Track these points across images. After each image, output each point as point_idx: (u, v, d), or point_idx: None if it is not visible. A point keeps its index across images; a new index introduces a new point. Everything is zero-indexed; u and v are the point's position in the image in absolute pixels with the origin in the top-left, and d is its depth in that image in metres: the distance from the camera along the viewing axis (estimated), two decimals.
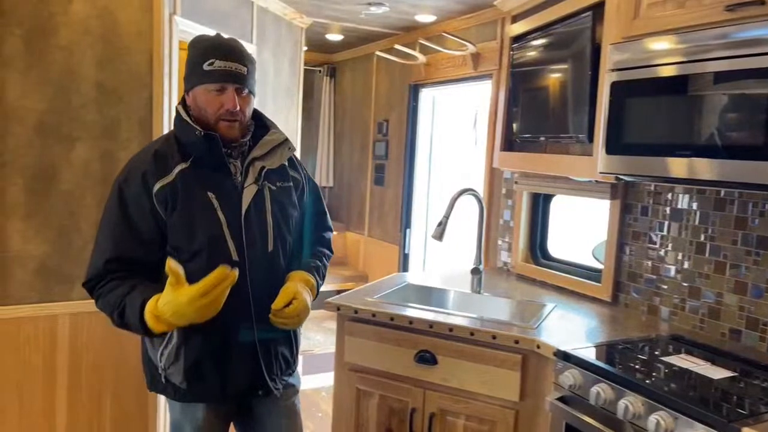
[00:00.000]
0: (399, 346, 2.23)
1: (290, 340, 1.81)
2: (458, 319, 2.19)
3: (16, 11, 2.19)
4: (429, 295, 2.68)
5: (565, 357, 1.86)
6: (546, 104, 2.69)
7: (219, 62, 1.56)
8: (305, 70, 5.75)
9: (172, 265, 1.42)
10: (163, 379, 1.66)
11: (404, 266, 4.25)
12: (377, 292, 2.54)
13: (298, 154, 3.79)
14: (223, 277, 1.42)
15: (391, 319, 2.24)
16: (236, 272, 1.45)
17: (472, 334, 2.10)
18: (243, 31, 3.09)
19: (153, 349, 1.68)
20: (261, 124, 1.75)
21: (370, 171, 4.81)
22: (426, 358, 2.18)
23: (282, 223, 1.73)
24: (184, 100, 1.66)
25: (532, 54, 2.79)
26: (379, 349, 2.28)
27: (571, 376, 1.81)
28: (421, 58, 3.86)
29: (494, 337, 2.06)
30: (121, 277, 1.55)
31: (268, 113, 3.34)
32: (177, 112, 1.64)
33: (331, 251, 2.01)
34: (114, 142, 2.39)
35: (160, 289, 1.47)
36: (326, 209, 2.02)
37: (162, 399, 2.56)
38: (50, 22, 2.25)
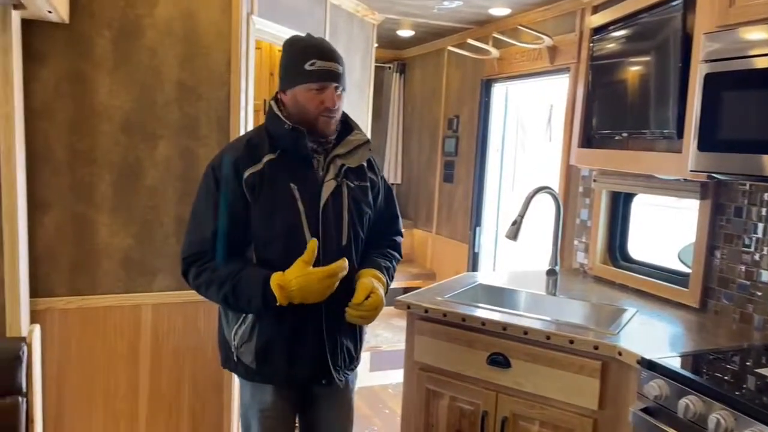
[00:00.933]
0: (470, 347, 2.19)
1: (355, 335, 1.85)
2: (533, 322, 2.12)
3: (105, 14, 2.30)
4: (500, 296, 2.61)
5: (651, 366, 1.76)
6: (628, 98, 2.56)
7: (320, 62, 1.64)
8: (376, 67, 5.80)
9: (312, 245, 1.58)
10: (235, 358, 1.75)
11: (474, 265, 4.18)
12: (447, 291, 2.51)
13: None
14: (343, 265, 1.60)
15: (463, 319, 2.19)
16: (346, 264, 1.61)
17: (548, 338, 2.03)
18: (316, 29, 3.11)
19: (228, 327, 1.76)
20: (346, 123, 1.81)
21: (439, 168, 4.76)
22: (499, 361, 2.12)
23: (356, 219, 1.78)
24: (277, 96, 1.74)
25: (613, 46, 2.66)
26: (449, 350, 2.24)
27: (656, 387, 1.71)
28: (495, 52, 3.78)
29: (572, 342, 1.98)
30: (224, 255, 1.66)
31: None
32: (270, 106, 1.73)
33: (401, 255, 2.01)
34: (193, 140, 2.47)
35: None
36: (399, 213, 2.03)
37: (237, 388, 2.62)
38: (137, 24, 2.34)
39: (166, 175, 2.45)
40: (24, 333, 2.11)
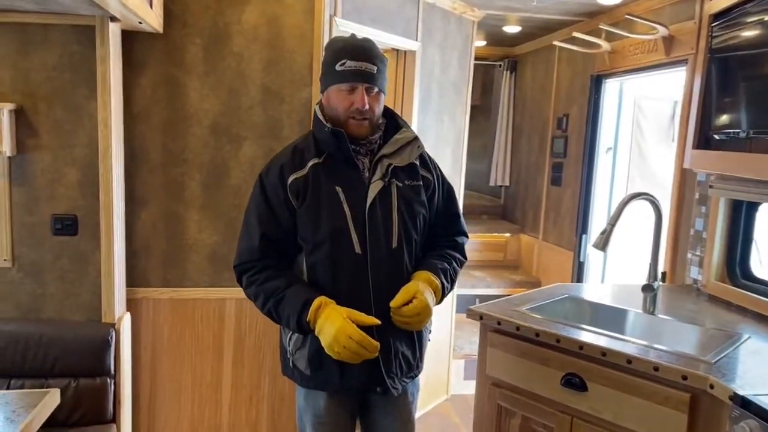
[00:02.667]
0: (544, 365, 2.02)
1: (413, 341, 1.77)
2: (615, 342, 1.91)
3: (197, 23, 2.43)
4: (590, 312, 2.40)
5: (744, 404, 1.51)
6: (754, 92, 2.23)
7: (350, 62, 1.60)
8: (485, 65, 5.64)
9: (371, 322, 1.57)
10: (291, 364, 1.75)
11: (578, 275, 3.90)
12: (530, 302, 2.34)
13: (463, 152, 3.72)
14: (370, 345, 1.54)
15: (537, 335, 2.03)
16: (377, 348, 1.56)
17: (629, 361, 1.81)
18: (407, 29, 3.07)
19: (284, 333, 1.77)
20: (393, 122, 1.76)
21: (547, 170, 4.51)
22: (574, 383, 1.94)
23: (408, 220, 1.71)
24: (321, 100, 1.73)
25: (737, 33, 2.33)
26: (522, 366, 2.09)
27: (747, 428, 1.45)
28: (605, 45, 3.49)
29: (656, 369, 1.75)
30: (273, 266, 1.67)
31: (433, 110, 3.36)
32: (315, 110, 1.72)
33: (464, 257, 1.90)
34: (276, 141, 2.53)
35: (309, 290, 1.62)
36: (460, 212, 1.93)
37: None
38: (225, 31, 2.45)
39: (250, 175, 2.53)
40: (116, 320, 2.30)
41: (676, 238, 2.91)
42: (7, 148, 2.15)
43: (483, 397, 2.25)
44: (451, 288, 1.81)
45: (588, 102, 3.79)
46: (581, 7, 3.49)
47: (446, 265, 1.79)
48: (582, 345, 1.92)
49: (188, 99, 2.47)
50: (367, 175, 1.68)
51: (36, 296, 2.32)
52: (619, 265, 3.88)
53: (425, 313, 1.65)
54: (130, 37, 2.35)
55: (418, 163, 1.75)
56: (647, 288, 2.29)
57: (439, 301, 1.75)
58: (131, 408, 2.52)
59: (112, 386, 2.23)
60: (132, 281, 2.49)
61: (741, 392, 1.53)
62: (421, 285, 1.67)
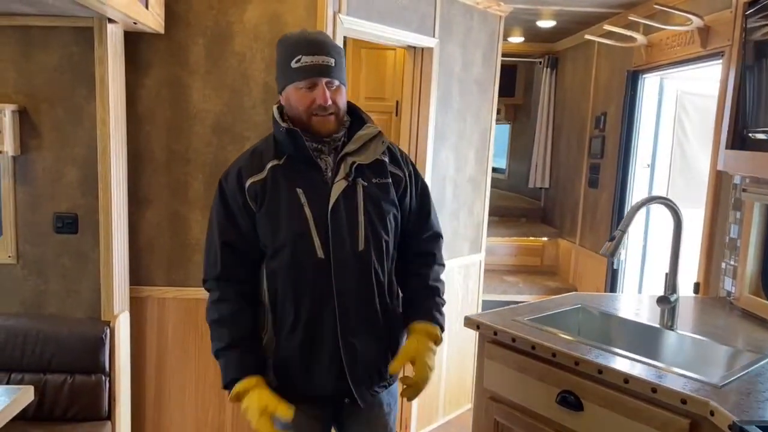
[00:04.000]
0: (541, 380, 1.88)
1: (384, 349, 1.68)
2: (613, 359, 1.75)
3: (200, 23, 2.43)
4: (602, 325, 2.23)
5: None
6: None
7: (306, 58, 1.52)
8: (527, 62, 5.44)
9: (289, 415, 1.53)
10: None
11: (612, 284, 3.67)
12: (537, 311, 2.20)
13: (489, 152, 3.57)
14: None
15: (533, 347, 1.90)
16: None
17: (626, 381, 1.65)
18: (423, 25, 2.97)
19: None
20: (357, 117, 1.66)
21: (584, 171, 4.29)
22: (569, 401, 1.79)
23: (377, 221, 1.62)
24: (280, 101, 1.64)
25: None
26: (519, 380, 1.96)
27: None
28: (641, 38, 3.26)
29: (654, 391, 1.59)
30: (231, 296, 1.59)
31: (454, 108, 3.24)
32: (272, 111, 1.63)
33: (438, 261, 1.80)
34: None
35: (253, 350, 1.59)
36: (432, 213, 1.79)
37: None
38: (227, 30, 2.44)
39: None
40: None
41: (710, 246, 2.68)
42: (11, 148, 2.22)
43: (480, 411, 2.13)
44: (443, 309, 1.76)
45: (624, 99, 3.56)
46: None
47: (436, 299, 1.74)
48: (578, 360, 1.77)
49: (191, 99, 2.47)
50: (330, 175, 1.59)
51: (39, 292, 2.38)
52: (658, 275, 3.63)
53: (427, 380, 1.66)
54: (135, 39, 2.37)
55: (387, 159, 1.66)
56: (663, 300, 2.10)
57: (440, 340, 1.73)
58: (139, 405, 2.55)
59: (107, 384, 2.25)
60: (137, 280, 2.52)
61: (744, 419, 1.36)
62: (420, 346, 1.64)
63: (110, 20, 2.13)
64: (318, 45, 1.54)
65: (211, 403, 2.65)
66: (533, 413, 1.91)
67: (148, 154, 2.48)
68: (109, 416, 2.28)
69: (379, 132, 1.64)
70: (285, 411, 1.53)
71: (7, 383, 2.15)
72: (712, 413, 1.46)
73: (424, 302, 1.74)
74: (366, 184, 1.60)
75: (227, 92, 2.48)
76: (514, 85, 5.98)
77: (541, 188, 5.23)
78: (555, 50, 5.01)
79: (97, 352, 2.22)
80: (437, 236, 1.81)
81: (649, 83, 3.51)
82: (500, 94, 5.84)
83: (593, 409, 1.73)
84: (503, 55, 5.26)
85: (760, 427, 1.34)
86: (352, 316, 1.59)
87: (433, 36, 3.05)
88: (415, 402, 3.29)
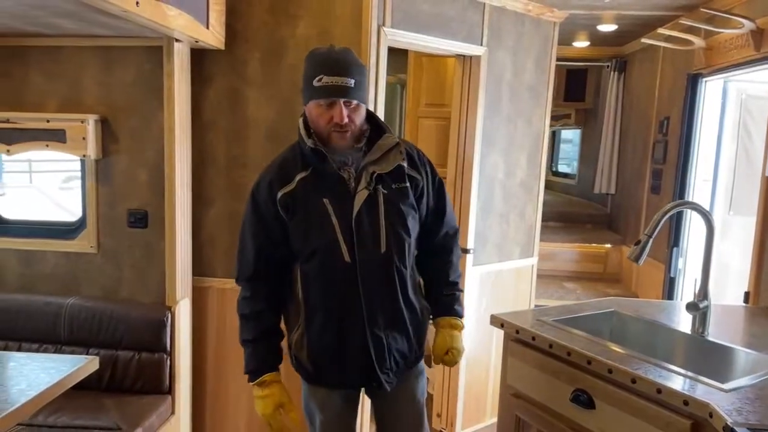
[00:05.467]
0: (557, 378, 1.94)
1: (408, 335, 1.84)
2: (624, 359, 1.79)
3: (257, 38, 2.67)
4: (633, 329, 2.24)
5: None
6: None
7: (327, 78, 1.65)
8: (594, 66, 5.36)
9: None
10: (295, 361, 1.88)
11: (669, 293, 3.58)
12: (567, 313, 2.25)
13: (542, 157, 3.59)
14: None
15: (550, 346, 1.96)
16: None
17: (633, 381, 1.69)
18: (470, 34, 3.07)
19: (288, 333, 1.89)
20: (376, 127, 1.80)
21: (647, 177, 4.19)
22: (581, 400, 1.84)
23: (397, 224, 1.76)
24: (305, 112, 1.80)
25: None
26: (538, 378, 2.02)
27: None
28: (698, 42, 3.18)
29: (659, 391, 1.62)
30: (262, 295, 1.80)
31: (503, 114, 3.32)
32: (299, 123, 1.80)
33: (456, 254, 1.99)
34: None
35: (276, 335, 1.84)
36: (448, 209, 1.95)
37: None
38: (281, 45, 2.67)
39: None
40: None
41: (761, 254, 2.59)
42: (93, 153, 2.55)
43: (504, 407, 2.21)
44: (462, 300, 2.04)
45: (684, 102, 3.48)
46: (671, 0, 3.22)
47: (456, 293, 1.98)
48: (590, 360, 1.82)
49: (248, 108, 2.72)
50: (353, 184, 1.72)
51: (115, 279, 2.70)
52: (720, 283, 3.50)
53: (459, 358, 1.98)
54: (200, 55, 2.65)
55: (405, 164, 1.78)
56: (692, 307, 2.09)
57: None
58: (200, 382, 2.82)
59: (168, 362, 2.53)
60: (200, 271, 2.79)
61: (736, 421, 1.38)
62: (448, 338, 1.93)
63: (177, 40, 2.41)
64: (339, 66, 1.66)
65: None
66: (550, 410, 1.97)
67: (211, 158, 2.76)
68: (170, 391, 2.55)
69: (397, 143, 1.77)
70: (296, 420, 1.80)
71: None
72: (711, 415, 1.48)
73: (447, 298, 1.96)
74: (386, 191, 1.74)
75: (279, 102, 2.70)
76: (584, 90, 5.89)
77: (607, 194, 5.13)
78: (623, 54, 4.91)
79: (159, 333, 2.50)
80: (454, 231, 1.98)
81: (711, 87, 3.40)
82: (570, 99, 5.85)
83: (605, 408, 1.77)
84: (570, 60, 5.27)
85: (751, 430, 1.36)
86: (378, 313, 1.75)
87: (481, 44, 3.14)
88: (460, 401, 3.38)
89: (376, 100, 2.70)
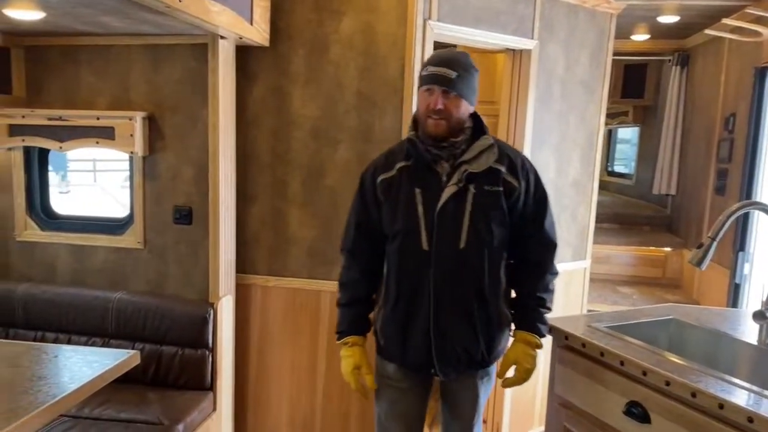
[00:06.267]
0: (608, 389, 1.83)
1: (475, 335, 1.88)
2: (685, 372, 1.65)
3: (300, 35, 2.65)
4: (692, 338, 2.10)
5: None
6: None
7: (431, 68, 1.80)
8: (655, 61, 5.12)
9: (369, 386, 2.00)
10: (374, 332, 2.03)
11: (734, 299, 3.36)
12: (620, 320, 2.13)
13: (596, 154, 3.43)
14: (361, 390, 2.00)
15: (602, 354, 1.85)
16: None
17: (693, 395, 1.56)
18: (520, 27, 2.96)
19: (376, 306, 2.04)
20: (478, 129, 1.88)
21: (711, 177, 3.95)
22: (636, 413, 1.72)
23: (481, 225, 1.83)
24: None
25: None
26: (588, 388, 1.91)
27: None
28: (767, 33, 2.96)
29: (721, 407, 1.49)
30: (357, 265, 1.98)
31: (554, 110, 3.20)
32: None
33: (549, 270, 1.98)
34: (368, 144, 2.64)
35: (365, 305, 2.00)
36: (546, 222, 1.96)
37: None
38: (325, 41, 2.64)
39: (344, 176, 2.68)
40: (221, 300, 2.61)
41: None
42: (140, 150, 2.59)
43: (552, 415, 2.10)
44: (547, 317, 1.99)
45: (751, 98, 3.25)
46: None
47: (540, 309, 1.96)
48: (645, 370, 1.70)
49: (292, 106, 2.70)
50: (445, 179, 1.82)
51: (160, 274, 2.74)
52: None
53: (527, 378, 1.97)
54: (245, 52, 2.65)
55: (503, 169, 1.84)
56: (759, 316, 1.93)
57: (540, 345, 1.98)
58: (243, 380, 2.84)
59: (210, 358, 2.54)
60: (243, 268, 2.80)
61: None
62: (520, 353, 1.93)
63: (221, 37, 2.41)
64: (445, 58, 1.82)
65: (304, 384, 2.86)
66: (601, 423, 1.85)
67: (255, 156, 2.75)
68: (212, 387, 2.56)
69: (492, 144, 1.85)
70: (371, 381, 1.98)
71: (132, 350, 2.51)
72: None
73: (529, 313, 1.97)
74: (476, 191, 1.81)
75: (323, 99, 2.67)
76: (643, 86, 5.64)
77: (667, 195, 4.89)
78: (685, 47, 4.66)
79: (202, 330, 2.51)
80: (550, 244, 1.97)
81: None
82: (628, 95, 5.61)
83: (662, 423, 1.65)
84: (629, 54, 5.04)
85: None
86: (445, 304, 1.83)
87: (532, 38, 3.02)
88: (507, 407, 3.27)
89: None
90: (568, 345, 1.98)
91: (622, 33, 4.28)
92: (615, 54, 3.48)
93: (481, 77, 3.98)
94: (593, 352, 1.87)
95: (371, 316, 2.02)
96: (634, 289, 4.34)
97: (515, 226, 1.89)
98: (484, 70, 3.87)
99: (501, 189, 1.84)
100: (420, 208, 1.81)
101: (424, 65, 1.85)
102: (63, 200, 11.90)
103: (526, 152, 3.13)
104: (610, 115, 6.02)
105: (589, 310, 3.67)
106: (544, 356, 3.29)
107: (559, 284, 3.35)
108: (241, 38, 2.41)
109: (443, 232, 1.80)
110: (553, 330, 2.04)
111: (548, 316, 1.99)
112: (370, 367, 1.99)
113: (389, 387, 2.00)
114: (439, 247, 1.81)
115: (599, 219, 4.62)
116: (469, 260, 1.82)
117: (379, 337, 1.98)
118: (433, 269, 1.81)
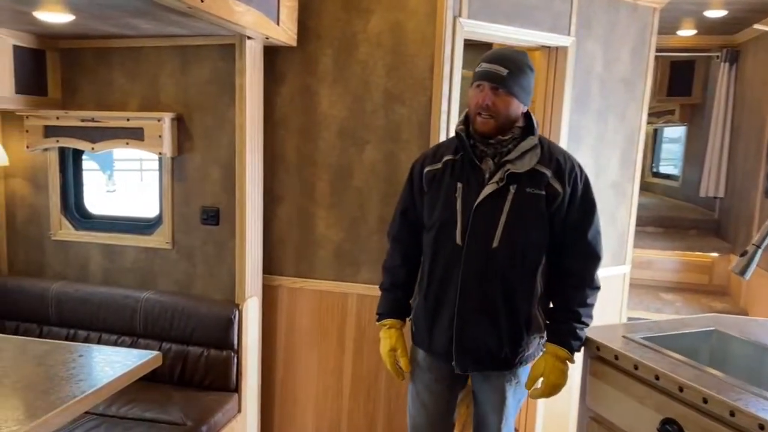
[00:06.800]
0: (642, 404, 1.73)
1: (498, 335, 1.86)
2: (724, 388, 1.54)
3: (329, 34, 2.61)
4: (736, 351, 1.97)
5: None
6: None
7: (484, 65, 1.80)
8: (703, 57, 4.90)
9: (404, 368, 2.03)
10: (411, 320, 2.07)
11: None
12: (657, 330, 2.02)
13: (637, 155, 3.28)
14: (397, 375, 2.04)
15: (635, 367, 1.75)
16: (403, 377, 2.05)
17: (732, 414, 1.46)
18: (556, 23, 2.85)
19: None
20: (527, 129, 1.86)
21: (761, 179, 3.74)
22: (671, 431, 1.62)
23: (517, 226, 1.81)
24: None
25: None
26: (621, 403, 1.82)
27: None
28: None
29: (762, 427, 1.39)
30: (399, 250, 2.03)
31: (592, 108, 3.09)
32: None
33: (589, 284, 1.91)
34: (396, 144, 2.59)
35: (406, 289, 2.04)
36: (590, 232, 1.89)
37: None
38: (353, 40, 2.59)
39: (372, 177, 2.64)
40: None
41: None
42: (169, 151, 2.60)
43: (582, 430, 2.01)
44: (583, 333, 1.90)
45: None
46: None
47: (573, 323, 1.88)
48: (681, 386, 1.60)
49: (319, 105, 2.67)
50: (487, 176, 1.82)
51: (188, 275, 2.75)
52: None
53: (554, 392, 1.90)
54: (274, 52, 2.63)
55: (549, 173, 1.81)
56: None
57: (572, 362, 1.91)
58: (269, 381, 2.83)
59: (235, 359, 2.53)
60: (271, 269, 2.78)
61: None
62: (548, 367, 1.87)
63: (248, 37, 2.40)
64: (497, 56, 1.81)
65: (331, 387, 2.83)
66: None
67: (282, 156, 2.74)
68: (237, 389, 2.55)
69: (535, 145, 1.83)
70: (405, 364, 2.01)
71: (159, 350, 2.53)
72: None
73: (561, 326, 1.90)
74: (517, 191, 1.80)
75: (350, 98, 2.63)
76: (691, 83, 5.40)
77: (715, 197, 4.66)
78: (735, 43, 4.44)
79: (227, 331, 2.51)
80: (592, 256, 1.91)
81: None
82: (675, 93, 5.39)
83: None
84: (675, 51, 4.83)
85: None
86: (470, 300, 1.84)
87: (568, 34, 2.91)
88: (540, 419, 3.17)
89: (451, 95, 2.57)
90: (600, 356, 1.89)
91: (667, 28, 4.10)
92: (660, 50, 3.33)
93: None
94: (626, 365, 1.78)
95: (411, 302, 2.05)
96: (678, 296, 4.15)
97: (557, 233, 1.85)
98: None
99: (543, 193, 1.81)
100: (459, 202, 1.83)
101: (479, 62, 1.84)
102: (109, 199, 12.27)
103: None
104: (656, 114, 5.80)
105: (629, 318, 3.52)
106: (579, 366, 3.19)
107: None
108: (267, 38, 2.40)
109: (477, 229, 1.81)
110: (585, 340, 1.95)
111: (585, 332, 1.91)
112: (406, 350, 2.02)
113: (418, 375, 2.05)
114: (471, 243, 1.81)
115: (643, 222, 4.45)
116: (499, 260, 1.81)
117: (413, 323, 2.04)
118: (462, 264, 1.83)
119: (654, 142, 6.45)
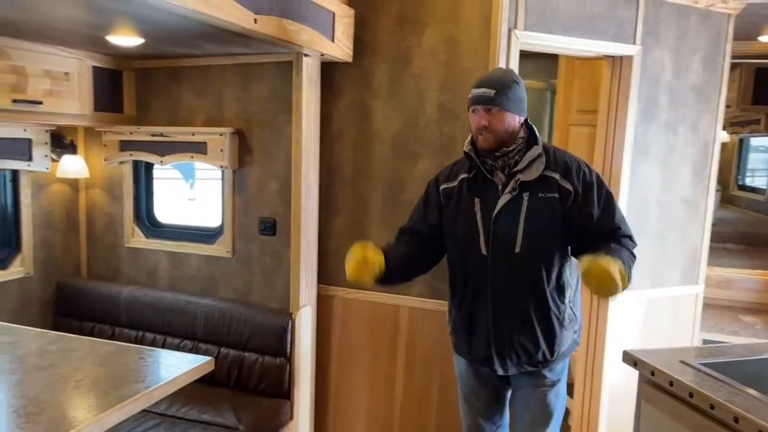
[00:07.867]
0: None
1: (534, 334, 1.96)
2: None
3: (383, 49, 2.65)
4: None
5: None
6: None
7: (474, 90, 1.95)
8: None
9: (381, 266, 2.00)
10: (450, 334, 2.18)
11: None
12: (719, 356, 1.90)
13: (712, 168, 3.09)
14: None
15: (690, 395, 1.66)
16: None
17: None
18: (620, 32, 2.75)
19: None
20: (531, 139, 1.97)
21: None
22: None
23: (537, 229, 1.91)
24: None
25: None
26: (676, 431, 1.72)
27: None
28: None
29: None
30: (405, 242, 2.15)
31: (660, 119, 3.01)
32: None
33: (629, 248, 1.93)
34: (448, 158, 2.54)
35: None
36: (616, 217, 1.96)
37: None
38: (407, 54, 2.62)
39: (422, 190, 2.63)
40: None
41: None
42: (229, 164, 2.72)
43: None
44: (629, 263, 1.86)
45: None
46: None
47: (624, 251, 1.86)
48: (737, 417, 1.50)
49: (374, 120, 2.71)
50: (501, 188, 1.95)
51: (247, 283, 2.85)
52: None
53: (609, 276, 1.70)
54: (331, 67, 2.70)
55: (557, 176, 1.92)
56: None
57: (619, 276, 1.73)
58: (323, 389, 2.88)
59: (288, 367, 2.59)
60: (326, 279, 2.84)
61: None
62: (594, 269, 1.73)
63: (305, 54, 2.47)
64: (484, 80, 1.95)
65: (382, 399, 2.84)
66: None
67: (338, 169, 2.79)
68: (288, 396, 2.62)
69: (540, 153, 1.94)
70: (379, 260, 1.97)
71: (216, 356, 2.64)
72: None
73: (610, 248, 1.84)
74: (530, 198, 1.91)
75: (404, 112, 2.65)
76: None
77: None
78: None
79: (281, 339, 2.58)
80: (625, 235, 1.94)
81: None
82: (760, 102, 5.03)
83: None
84: (759, 57, 4.52)
85: None
86: (502, 304, 1.96)
87: (633, 43, 2.80)
88: None
89: None
90: (654, 381, 1.81)
91: (747, 34, 3.84)
92: (740, 57, 3.14)
93: (583, 85, 3.79)
94: (681, 392, 1.69)
95: (448, 317, 2.16)
96: (758, 318, 3.85)
97: (584, 227, 1.93)
98: (586, 78, 3.70)
99: (556, 195, 1.92)
100: (478, 216, 1.96)
101: (471, 89, 1.96)
102: (190, 207, 12.89)
103: (625, 166, 2.92)
104: (740, 123, 5.44)
105: (703, 341, 3.32)
106: (629, 392, 3.04)
107: (664, 310, 3.12)
108: (323, 55, 2.46)
109: (499, 238, 1.93)
110: (638, 363, 1.87)
111: (632, 266, 1.87)
112: (377, 254, 1.99)
113: (464, 381, 2.18)
114: (495, 251, 1.94)
115: (721, 238, 4.18)
116: (524, 264, 1.93)
117: (452, 335, 2.14)
118: (490, 272, 1.95)
119: (740, 152, 6.05)
